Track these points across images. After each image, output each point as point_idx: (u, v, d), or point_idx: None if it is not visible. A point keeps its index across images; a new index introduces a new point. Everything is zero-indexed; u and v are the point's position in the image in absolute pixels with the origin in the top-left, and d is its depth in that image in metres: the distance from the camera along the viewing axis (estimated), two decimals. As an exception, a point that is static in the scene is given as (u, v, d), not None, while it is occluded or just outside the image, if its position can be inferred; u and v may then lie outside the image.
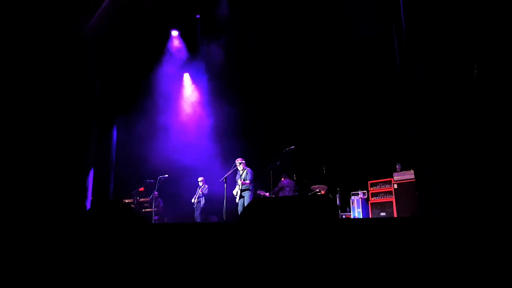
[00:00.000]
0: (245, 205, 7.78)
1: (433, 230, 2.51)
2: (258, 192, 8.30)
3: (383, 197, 7.60)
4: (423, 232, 2.53)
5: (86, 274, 2.66)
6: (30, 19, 5.93)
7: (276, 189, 8.22)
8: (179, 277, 2.69)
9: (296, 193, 8.29)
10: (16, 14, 5.77)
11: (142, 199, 9.28)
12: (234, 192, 8.14)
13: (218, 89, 10.48)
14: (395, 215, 7.19)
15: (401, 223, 2.88)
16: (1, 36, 5.58)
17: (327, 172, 8.32)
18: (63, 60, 6.60)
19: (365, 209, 7.82)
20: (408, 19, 4.54)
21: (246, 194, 7.94)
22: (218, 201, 8.66)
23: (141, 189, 9.18)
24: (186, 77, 11.23)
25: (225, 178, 7.85)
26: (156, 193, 8.96)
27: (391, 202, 7.38)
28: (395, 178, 7.38)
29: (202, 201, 9.17)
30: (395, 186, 7.34)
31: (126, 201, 9.18)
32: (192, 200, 9.29)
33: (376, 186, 7.78)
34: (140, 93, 9.96)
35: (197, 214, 9.19)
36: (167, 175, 8.93)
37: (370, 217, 7.66)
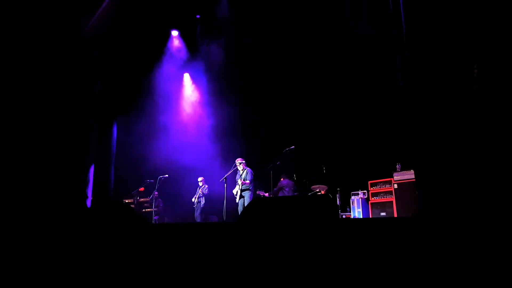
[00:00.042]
0: (245, 205, 7.78)
1: (433, 230, 2.51)
2: (257, 192, 8.30)
3: (383, 197, 7.60)
4: (423, 232, 2.53)
5: (86, 274, 2.66)
6: (30, 19, 5.93)
7: (275, 189, 8.22)
8: (179, 277, 2.69)
9: (295, 193, 8.29)
10: (16, 14, 5.77)
11: (142, 199, 9.28)
12: (234, 192, 8.14)
13: (218, 89, 10.48)
14: (395, 215, 7.18)
15: (401, 223, 2.88)
16: (1, 36, 5.58)
17: (327, 172, 8.31)
18: (63, 60, 6.60)
19: (365, 209, 7.82)
20: (408, 19, 4.54)
21: (246, 194, 7.95)
22: (218, 201, 8.66)
23: (141, 189, 9.18)
24: (186, 77, 11.23)
25: (225, 178, 7.86)
26: (156, 193, 8.96)
27: (391, 202, 7.38)
28: (395, 178, 7.38)
29: (202, 201, 9.17)
30: (395, 186, 7.34)
31: (126, 201, 9.18)
32: (193, 200, 9.29)
33: (376, 186, 7.78)
34: (140, 93, 9.96)
35: (197, 214, 9.19)
36: (167, 175, 8.94)
37: (370, 217, 7.66)
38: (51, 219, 3.06)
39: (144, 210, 9.24)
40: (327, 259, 2.38)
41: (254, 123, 10.30)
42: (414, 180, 6.67)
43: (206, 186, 9.29)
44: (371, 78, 8.41)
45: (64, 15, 6.48)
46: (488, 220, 2.61)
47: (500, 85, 3.71)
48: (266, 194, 8.54)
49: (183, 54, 10.61)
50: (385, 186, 7.62)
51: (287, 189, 8.33)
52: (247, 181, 7.94)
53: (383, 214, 7.49)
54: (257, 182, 8.38)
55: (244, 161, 8.19)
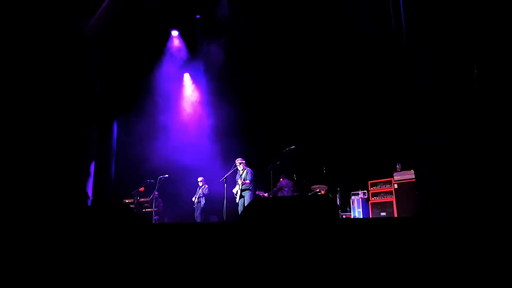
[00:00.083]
0: (246, 205, 7.77)
1: (433, 230, 2.51)
2: (256, 192, 8.30)
3: (383, 197, 7.59)
4: (423, 232, 2.53)
5: (85, 274, 2.66)
6: (31, 19, 5.93)
7: (274, 189, 8.23)
8: (179, 277, 2.69)
9: (294, 193, 8.29)
10: (16, 14, 5.77)
11: (142, 199, 9.28)
12: (234, 191, 8.14)
13: (218, 89, 10.48)
14: (395, 215, 7.18)
15: (401, 223, 2.88)
16: (2, 36, 5.58)
17: (327, 172, 8.31)
18: (63, 60, 6.61)
19: (365, 209, 7.81)
20: (408, 19, 4.54)
21: (246, 194, 7.95)
22: (218, 201, 8.66)
23: (141, 189, 9.18)
24: (186, 77, 11.24)
25: (225, 178, 7.86)
26: (156, 193, 8.96)
27: (391, 202, 7.38)
28: (396, 178, 7.37)
29: (203, 201, 9.17)
30: (396, 186, 7.34)
31: (126, 201, 9.18)
32: (193, 199, 9.29)
33: (376, 186, 7.78)
34: (140, 93, 9.97)
35: (197, 214, 9.19)
36: (167, 175, 8.94)
37: (370, 217, 7.66)
38: (51, 219, 3.06)
39: (144, 210, 9.24)
40: (327, 259, 2.38)
41: (254, 123, 10.30)
42: (414, 180, 6.67)
43: (206, 186, 9.29)
44: (371, 78, 8.41)
45: (64, 15, 6.48)
46: (488, 220, 2.61)
47: (500, 85, 3.71)
48: (266, 194, 8.54)
49: (183, 54, 10.61)
50: (385, 186, 7.62)
51: (286, 189, 8.33)
52: (247, 181, 7.94)
53: (383, 214, 7.49)
54: (257, 182, 8.38)
55: (244, 161, 8.19)
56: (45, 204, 5.52)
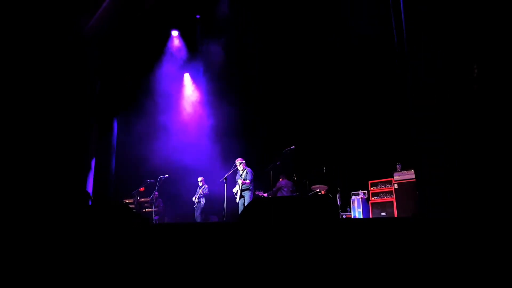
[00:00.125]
0: (246, 205, 7.77)
1: (433, 230, 2.51)
2: (256, 192, 8.30)
3: (384, 197, 7.59)
4: (423, 232, 2.53)
5: (85, 273, 2.66)
6: (31, 19, 5.93)
7: (274, 189, 8.23)
8: (179, 276, 2.69)
9: (293, 194, 8.29)
10: (16, 15, 5.77)
11: (142, 199, 9.28)
12: (234, 190, 8.14)
13: (218, 89, 10.49)
14: (396, 215, 7.18)
15: (401, 223, 2.88)
16: (2, 36, 5.58)
17: (327, 172, 8.31)
18: (63, 60, 6.61)
19: (365, 209, 7.81)
20: (408, 19, 4.54)
21: (247, 194, 7.95)
22: (218, 201, 8.66)
23: (142, 189, 9.18)
24: (186, 77, 11.24)
25: (225, 178, 7.86)
26: (156, 193, 8.96)
27: (392, 202, 7.37)
28: (396, 178, 7.37)
29: (203, 201, 9.17)
30: (396, 186, 7.33)
31: (126, 201, 9.18)
32: (193, 199, 9.29)
33: (377, 186, 7.78)
34: (140, 93, 9.97)
35: (197, 214, 9.19)
36: (167, 175, 8.94)
37: (371, 217, 7.66)
38: (51, 219, 3.06)
39: (144, 210, 9.24)
40: (327, 259, 2.38)
41: (254, 123, 10.30)
42: (414, 180, 6.67)
43: (206, 186, 9.30)
44: (371, 78, 8.41)
45: (64, 15, 6.48)
46: (488, 220, 2.61)
47: (500, 85, 3.71)
48: (265, 195, 8.54)
49: (183, 54, 10.61)
50: (385, 186, 7.61)
51: (285, 189, 8.33)
52: (247, 181, 7.94)
53: (383, 214, 7.49)
54: (257, 182, 8.38)
55: (244, 161, 8.19)
56: (45, 204, 5.52)
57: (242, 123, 10.19)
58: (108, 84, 9.07)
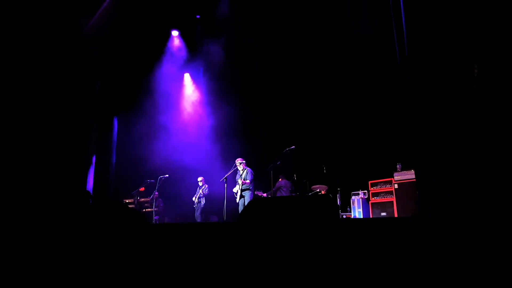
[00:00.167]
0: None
1: (433, 230, 2.51)
2: (256, 192, 8.30)
3: (384, 197, 7.59)
4: (423, 232, 2.53)
5: (85, 273, 2.66)
6: (31, 19, 5.93)
7: (273, 189, 8.23)
8: (180, 276, 2.69)
9: (292, 194, 8.29)
10: (16, 15, 5.77)
11: (142, 199, 9.29)
12: (234, 190, 8.14)
13: (218, 89, 10.49)
14: (396, 215, 7.18)
15: (401, 223, 2.88)
16: (2, 36, 5.58)
17: (327, 172, 8.31)
18: (63, 60, 6.61)
19: (365, 209, 7.81)
20: (408, 19, 4.54)
21: (247, 194, 7.95)
22: (218, 201, 8.66)
23: (142, 189, 9.19)
24: (186, 77, 11.24)
25: (225, 178, 7.86)
26: (156, 193, 8.96)
27: (392, 202, 7.37)
28: (396, 178, 7.37)
29: (203, 201, 9.17)
30: (396, 186, 7.33)
31: (126, 201, 9.18)
32: (193, 199, 9.30)
33: (377, 186, 7.77)
34: (140, 93, 9.97)
35: (197, 214, 9.20)
36: (167, 175, 8.94)
37: (371, 217, 7.65)
38: (51, 219, 3.06)
39: (144, 210, 9.24)
40: (327, 259, 2.38)
41: (254, 123, 10.30)
42: (414, 180, 6.66)
43: (206, 186, 9.30)
44: (371, 78, 8.41)
45: (64, 15, 6.48)
46: (488, 220, 2.61)
47: (500, 85, 3.71)
48: (265, 195, 8.55)
49: (183, 54, 10.62)
50: (385, 186, 7.61)
51: (284, 189, 8.33)
52: (248, 181, 7.94)
53: (383, 214, 7.48)
54: (257, 182, 8.38)
55: (244, 161, 8.19)
56: (45, 203, 5.52)
57: (242, 123, 10.20)
58: (108, 84, 9.07)
